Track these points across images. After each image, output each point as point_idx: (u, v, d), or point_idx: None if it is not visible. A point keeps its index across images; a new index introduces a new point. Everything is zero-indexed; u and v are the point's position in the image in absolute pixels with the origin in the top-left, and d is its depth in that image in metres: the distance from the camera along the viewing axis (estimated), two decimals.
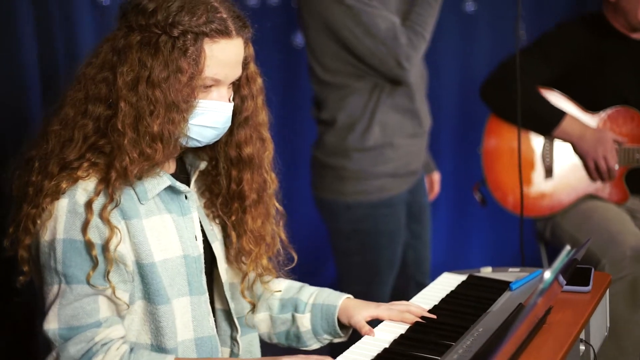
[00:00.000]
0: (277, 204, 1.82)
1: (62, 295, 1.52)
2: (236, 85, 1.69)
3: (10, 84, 2.31)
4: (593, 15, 3.07)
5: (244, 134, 1.72)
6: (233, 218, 1.75)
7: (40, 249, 1.55)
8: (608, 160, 2.92)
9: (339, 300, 1.84)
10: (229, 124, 1.67)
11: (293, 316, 1.86)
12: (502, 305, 1.82)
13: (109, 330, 1.53)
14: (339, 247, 2.78)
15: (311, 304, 1.85)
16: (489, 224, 3.76)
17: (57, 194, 1.54)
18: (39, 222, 1.55)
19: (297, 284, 1.92)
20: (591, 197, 2.99)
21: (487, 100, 3.03)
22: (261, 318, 1.89)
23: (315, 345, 1.87)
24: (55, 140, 1.58)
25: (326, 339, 1.87)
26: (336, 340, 1.87)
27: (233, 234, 1.76)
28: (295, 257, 1.83)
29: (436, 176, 3.05)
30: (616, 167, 2.94)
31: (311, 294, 1.87)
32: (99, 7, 2.54)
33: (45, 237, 1.54)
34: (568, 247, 1.57)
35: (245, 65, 1.68)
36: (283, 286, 1.90)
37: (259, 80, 1.75)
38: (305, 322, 1.85)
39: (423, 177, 2.89)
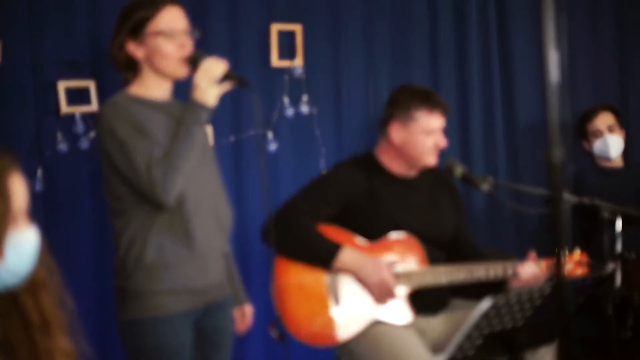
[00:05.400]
0: None
1: None
2: None
3: None
4: (365, 156, 3.41)
5: None
6: None
7: None
8: (387, 282, 3.12)
9: None
10: None
11: None
12: None
13: None
14: None
15: None
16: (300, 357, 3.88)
17: None
18: None
19: None
20: (379, 322, 3.17)
21: (268, 241, 3.19)
22: None
23: None
24: None
25: None
26: None
27: None
28: None
29: (247, 309, 3.11)
30: (403, 290, 3.16)
31: None
32: None
33: None
34: None
35: None
36: None
37: None
38: None
39: (228, 303, 2.95)
